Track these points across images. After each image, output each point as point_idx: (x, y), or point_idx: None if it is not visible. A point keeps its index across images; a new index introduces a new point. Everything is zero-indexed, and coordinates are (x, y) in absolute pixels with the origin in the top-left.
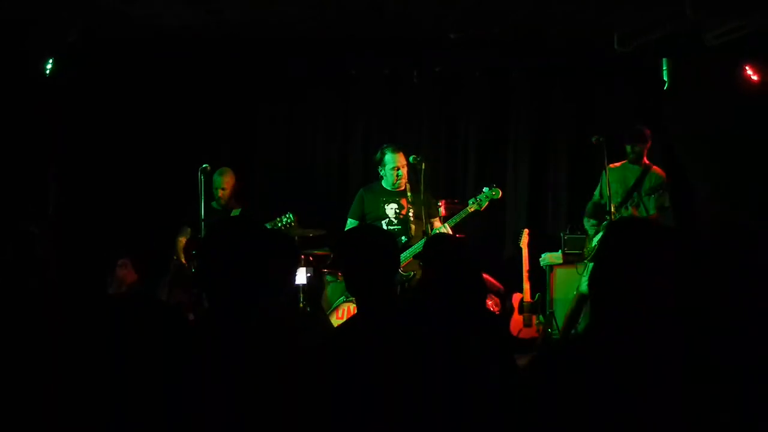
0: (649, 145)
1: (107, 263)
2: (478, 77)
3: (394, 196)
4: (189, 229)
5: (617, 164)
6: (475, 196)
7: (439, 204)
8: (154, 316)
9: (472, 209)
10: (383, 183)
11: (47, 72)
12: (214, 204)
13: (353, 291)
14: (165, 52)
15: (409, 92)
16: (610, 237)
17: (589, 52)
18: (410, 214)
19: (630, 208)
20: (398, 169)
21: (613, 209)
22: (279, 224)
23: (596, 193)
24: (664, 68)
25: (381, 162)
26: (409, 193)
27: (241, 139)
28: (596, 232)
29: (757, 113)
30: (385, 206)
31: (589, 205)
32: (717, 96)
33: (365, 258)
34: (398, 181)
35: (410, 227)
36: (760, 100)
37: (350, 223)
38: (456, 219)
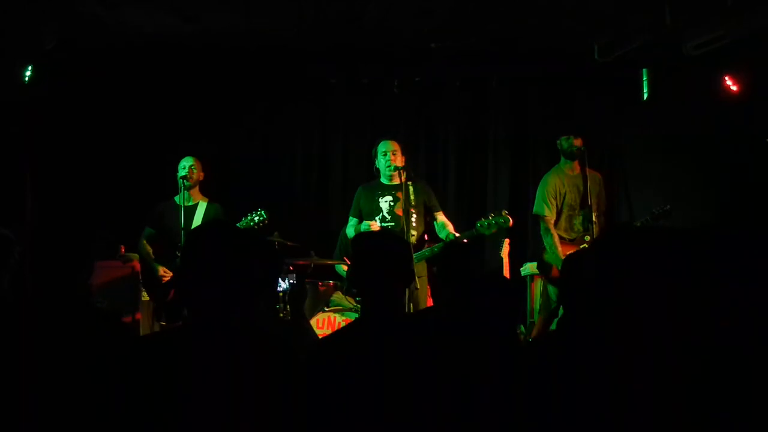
0: None
1: (86, 268)
2: (458, 87)
3: (390, 189)
4: (153, 231)
5: (551, 171)
6: (485, 219)
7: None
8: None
9: (477, 234)
10: (381, 179)
11: (26, 80)
12: (176, 199)
13: (361, 294)
14: (144, 60)
15: (389, 102)
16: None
17: (570, 62)
18: (409, 208)
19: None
20: (387, 153)
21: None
22: (251, 222)
23: (545, 208)
24: (644, 78)
25: (375, 153)
26: (409, 186)
27: (219, 149)
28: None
29: (737, 123)
30: (380, 200)
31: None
32: (696, 105)
33: (376, 263)
34: (389, 165)
35: (409, 222)
36: (739, 109)
37: (350, 221)
38: (459, 239)
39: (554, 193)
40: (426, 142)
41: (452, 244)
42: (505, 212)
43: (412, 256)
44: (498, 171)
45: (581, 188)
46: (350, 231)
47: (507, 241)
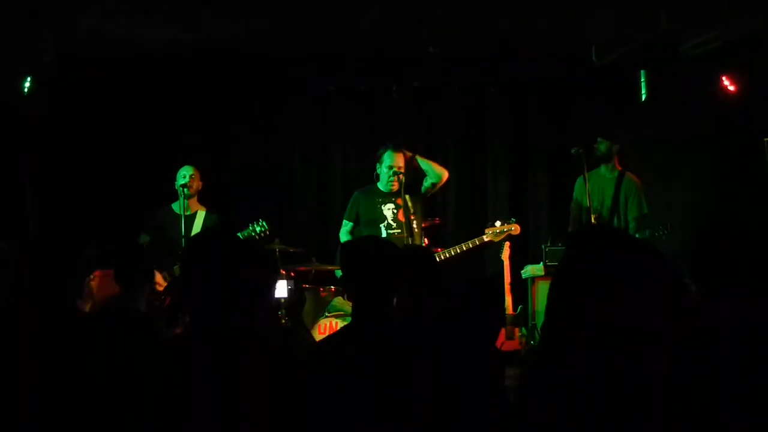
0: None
1: (75, 278)
2: (457, 91)
3: (390, 197)
4: (148, 238)
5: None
6: (492, 225)
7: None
8: (130, 331)
9: (488, 239)
10: (378, 185)
11: (25, 91)
12: (175, 207)
13: (352, 300)
14: (142, 69)
15: (388, 107)
16: (577, 246)
17: (568, 64)
18: (409, 215)
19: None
20: (392, 168)
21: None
22: (253, 233)
23: (575, 210)
24: (642, 80)
25: (380, 159)
26: (405, 195)
27: (219, 156)
28: None
29: (735, 123)
30: (382, 207)
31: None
32: (695, 106)
33: (367, 268)
34: (391, 180)
35: (412, 228)
36: (738, 109)
37: (345, 225)
38: (466, 245)
39: (575, 198)
40: (425, 143)
41: (414, 248)
42: (512, 219)
43: (396, 259)
44: (497, 173)
45: (607, 191)
46: (344, 236)
47: (508, 244)
